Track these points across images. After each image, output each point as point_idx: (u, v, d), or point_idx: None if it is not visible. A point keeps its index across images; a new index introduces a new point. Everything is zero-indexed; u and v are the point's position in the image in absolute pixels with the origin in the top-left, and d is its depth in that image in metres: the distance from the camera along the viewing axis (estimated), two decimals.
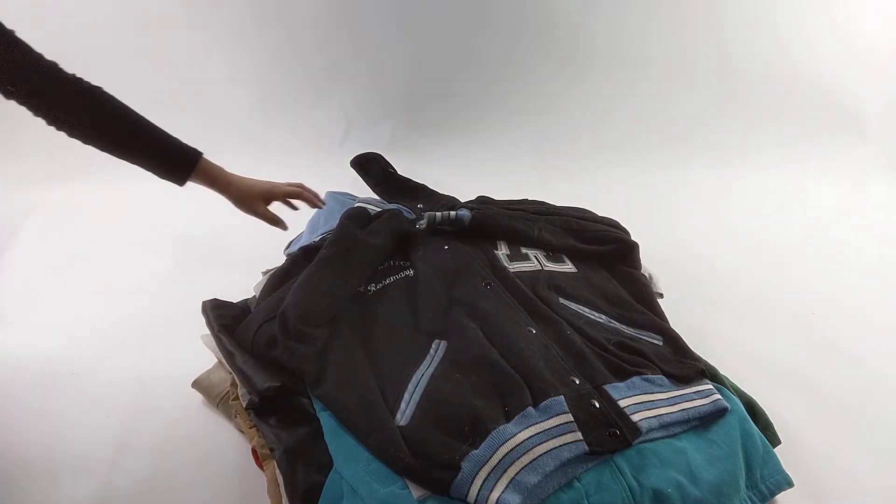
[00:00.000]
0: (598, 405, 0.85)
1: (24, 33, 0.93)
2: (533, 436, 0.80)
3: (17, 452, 0.99)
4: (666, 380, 0.93)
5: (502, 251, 1.17)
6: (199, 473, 0.94)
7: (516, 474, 0.76)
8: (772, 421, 0.96)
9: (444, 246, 1.17)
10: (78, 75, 1.00)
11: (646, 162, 1.93)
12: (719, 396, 0.91)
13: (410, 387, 0.89)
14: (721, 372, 1.00)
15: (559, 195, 1.45)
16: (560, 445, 0.79)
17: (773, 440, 0.93)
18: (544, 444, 0.79)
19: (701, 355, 1.03)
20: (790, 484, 0.87)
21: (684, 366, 0.96)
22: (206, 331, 1.08)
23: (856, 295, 1.38)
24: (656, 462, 0.80)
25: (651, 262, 1.25)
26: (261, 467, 0.92)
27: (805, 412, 1.05)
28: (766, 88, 2.04)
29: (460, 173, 1.88)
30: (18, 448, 0.99)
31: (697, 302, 1.32)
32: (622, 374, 0.92)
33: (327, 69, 2.08)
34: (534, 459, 0.77)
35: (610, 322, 1.06)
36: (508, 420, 0.82)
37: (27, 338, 1.24)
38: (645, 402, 0.88)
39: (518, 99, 2.03)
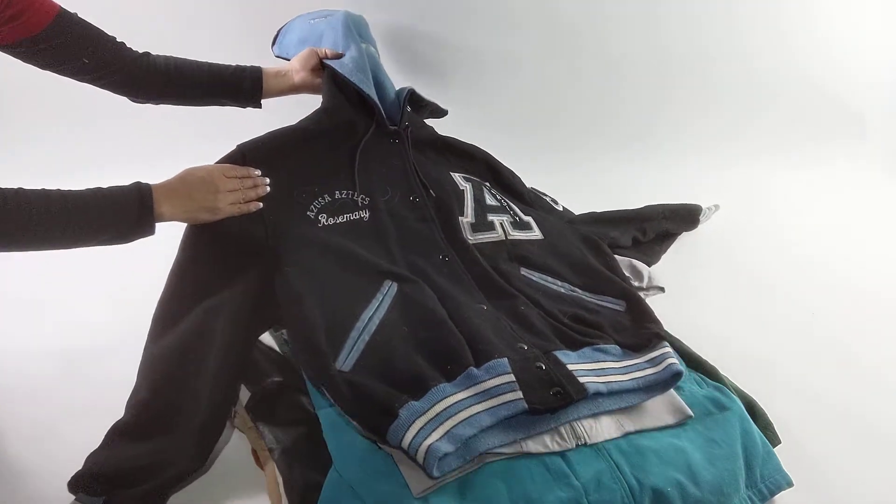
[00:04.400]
0: (543, 367, 0.87)
1: None
2: (472, 395, 0.82)
3: (15, 452, 0.99)
4: (619, 349, 0.95)
5: (467, 219, 1.15)
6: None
7: (452, 427, 0.78)
8: (772, 421, 0.96)
9: (410, 197, 1.14)
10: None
11: (643, 161, 1.93)
12: (673, 361, 0.92)
13: (357, 328, 0.91)
14: (721, 372, 1.00)
15: (559, 194, 1.45)
16: (499, 405, 0.81)
17: (773, 440, 0.93)
18: (482, 403, 0.81)
19: (701, 355, 1.03)
20: (790, 484, 0.87)
21: (640, 333, 0.97)
22: None
23: (856, 295, 1.38)
24: (656, 461, 0.80)
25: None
26: (261, 467, 0.92)
27: (805, 412, 1.04)
28: (767, 87, 2.04)
29: None
30: (17, 448, 0.99)
31: (697, 302, 1.32)
32: (574, 345, 0.93)
33: None
34: (471, 416, 0.80)
35: (572, 291, 1.07)
36: (450, 380, 0.84)
37: (26, 337, 1.24)
38: (595, 370, 0.89)
39: (520, 98, 2.02)
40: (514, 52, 1.91)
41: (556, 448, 0.81)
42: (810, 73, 2.03)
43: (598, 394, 0.86)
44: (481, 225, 1.15)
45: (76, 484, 0.84)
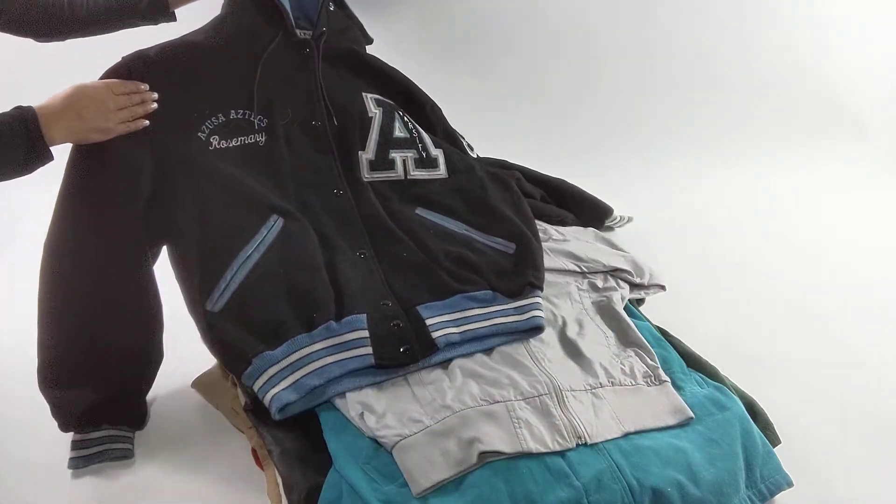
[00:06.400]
0: (400, 325, 0.92)
1: None
2: (325, 347, 0.87)
3: (15, 451, 0.99)
4: (491, 294, 0.99)
5: (368, 155, 1.12)
6: (199, 473, 0.94)
7: (301, 378, 0.84)
8: (772, 421, 0.96)
9: (311, 121, 1.09)
10: None
11: (642, 160, 1.92)
12: (538, 313, 0.97)
13: (232, 268, 0.93)
14: (721, 372, 1.00)
15: None
16: (349, 358, 0.87)
17: (774, 440, 0.93)
18: (334, 355, 0.87)
19: (702, 355, 1.03)
20: (790, 484, 0.87)
21: (517, 280, 1.01)
22: None
23: (856, 294, 1.38)
24: (656, 461, 0.80)
25: (652, 259, 1.25)
26: (261, 467, 0.92)
27: (805, 412, 1.05)
28: (767, 87, 2.04)
29: None
30: (17, 447, 0.99)
31: (697, 301, 1.32)
32: (445, 293, 0.98)
33: None
34: (321, 367, 0.85)
35: (465, 231, 1.10)
36: (312, 329, 0.88)
37: (27, 337, 1.24)
38: (456, 320, 0.95)
39: (521, 97, 2.02)
40: (511, 49, 1.91)
41: (557, 448, 0.81)
42: (811, 73, 2.03)
43: (452, 343, 0.92)
44: (381, 163, 1.13)
45: (68, 423, 0.94)
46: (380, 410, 0.85)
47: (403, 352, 0.90)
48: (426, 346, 0.91)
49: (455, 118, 1.34)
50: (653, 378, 0.94)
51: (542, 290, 1.02)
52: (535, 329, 0.97)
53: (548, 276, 1.15)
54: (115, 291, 0.96)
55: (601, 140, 1.97)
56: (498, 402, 0.86)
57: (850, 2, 2.00)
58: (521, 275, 1.02)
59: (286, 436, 0.88)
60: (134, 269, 0.98)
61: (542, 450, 0.80)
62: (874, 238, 1.61)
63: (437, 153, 1.18)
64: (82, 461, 0.94)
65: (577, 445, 0.82)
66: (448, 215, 1.11)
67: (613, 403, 0.89)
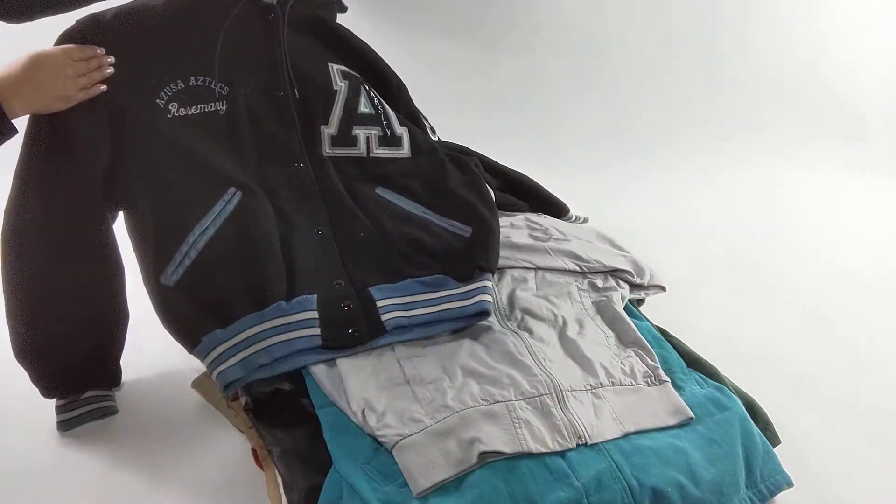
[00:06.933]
0: (351, 306, 0.93)
1: None
2: (274, 327, 0.88)
3: (14, 451, 0.99)
4: (442, 278, 0.99)
5: (330, 130, 1.09)
6: (198, 473, 0.94)
7: (248, 356, 0.86)
8: (772, 421, 0.96)
9: (274, 91, 1.06)
10: None
11: (645, 161, 1.93)
12: (484, 297, 0.98)
13: (188, 240, 0.93)
14: (721, 372, 1.00)
15: (563, 194, 1.45)
16: (297, 338, 0.88)
17: (773, 440, 0.93)
18: (282, 335, 0.88)
19: (702, 355, 1.03)
20: (790, 484, 0.87)
21: (467, 264, 1.01)
22: None
23: (856, 294, 1.38)
24: (656, 461, 0.80)
25: (652, 259, 1.25)
26: (261, 467, 0.92)
27: (805, 412, 1.05)
28: (768, 88, 2.04)
29: None
30: (15, 447, 0.99)
31: (698, 301, 1.32)
32: (397, 277, 0.98)
33: None
34: (268, 346, 0.87)
35: (424, 213, 1.09)
36: (263, 307, 0.89)
37: None
38: (406, 304, 0.95)
39: (521, 96, 2.02)
40: (513, 48, 1.91)
41: (557, 448, 0.81)
42: (812, 73, 2.04)
43: (401, 327, 0.94)
44: (343, 139, 1.10)
45: (50, 391, 0.97)
46: (380, 409, 0.85)
47: (351, 333, 0.91)
48: (375, 328, 0.92)
49: (456, 116, 1.34)
50: (653, 378, 0.94)
51: (492, 272, 1.02)
52: (481, 314, 0.97)
53: (548, 276, 1.15)
54: (77, 258, 0.96)
55: (602, 139, 1.97)
56: (498, 401, 0.86)
57: (850, 2, 2.00)
58: (472, 258, 1.02)
59: (286, 436, 0.88)
60: (95, 236, 0.97)
61: (543, 450, 0.80)
62: (874, 238, 1.62)
63: (401, 131, 1.16)
64: (70, 423, 0.98)
65: (578, 445, 0.82)
66: (408, 196, 1.11)
67: (614, 403, 0.89)
